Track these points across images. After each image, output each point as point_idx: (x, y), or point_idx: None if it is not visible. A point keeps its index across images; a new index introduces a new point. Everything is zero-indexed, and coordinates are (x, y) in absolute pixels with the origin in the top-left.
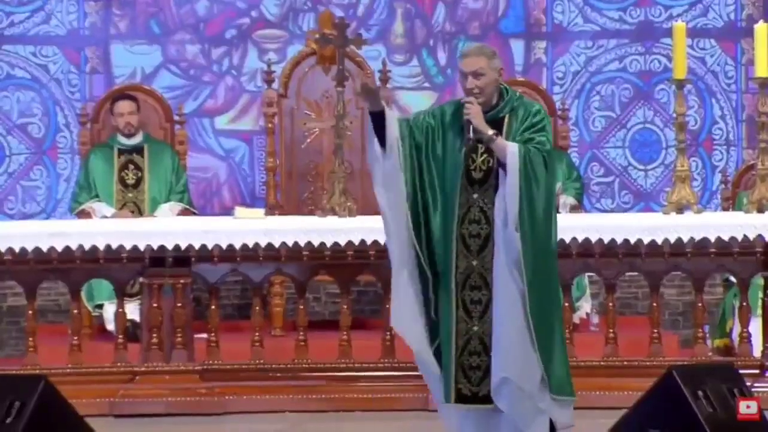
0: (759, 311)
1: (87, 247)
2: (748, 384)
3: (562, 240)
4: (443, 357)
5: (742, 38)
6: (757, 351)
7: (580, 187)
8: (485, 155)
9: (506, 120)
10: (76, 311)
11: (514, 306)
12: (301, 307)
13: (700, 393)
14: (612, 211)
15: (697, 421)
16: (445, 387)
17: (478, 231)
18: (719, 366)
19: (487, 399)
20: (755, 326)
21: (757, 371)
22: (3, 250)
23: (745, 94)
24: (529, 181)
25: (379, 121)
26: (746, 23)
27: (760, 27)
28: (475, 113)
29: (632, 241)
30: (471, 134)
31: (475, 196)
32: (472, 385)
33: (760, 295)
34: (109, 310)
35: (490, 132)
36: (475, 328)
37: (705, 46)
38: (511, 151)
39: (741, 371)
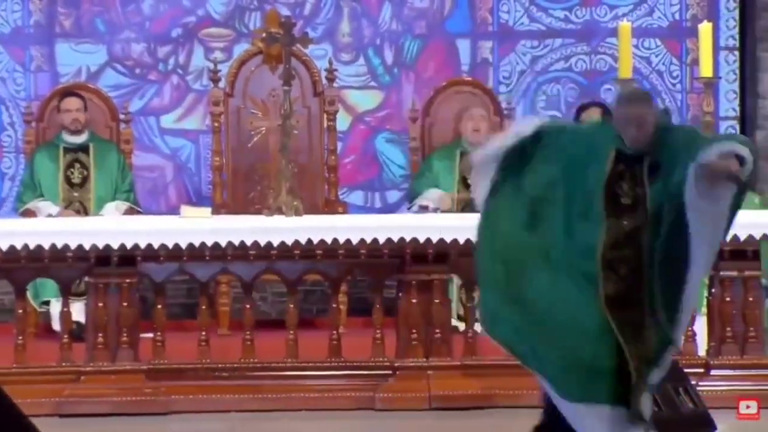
0: (704, 310)
1: (32, 246)
2: (693, 383)
3: None
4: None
5: (687, 38)
6: (702, 350)
7: None
8: (631, 182)
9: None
10: (21, 311)
11: None
12: (248, 306)
13: None
14: None
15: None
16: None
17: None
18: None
19: None
20: (700, 325)
21: (701, 370)
22: None
23: (689, 93)
24: None
25: None
26: (691, 23)
27: (704, 27)
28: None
29: None
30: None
31: (625, 223)
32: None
33: (705, 293)
34: (56, 307)
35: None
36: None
37: (650, 45)
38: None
39: (686, 370)
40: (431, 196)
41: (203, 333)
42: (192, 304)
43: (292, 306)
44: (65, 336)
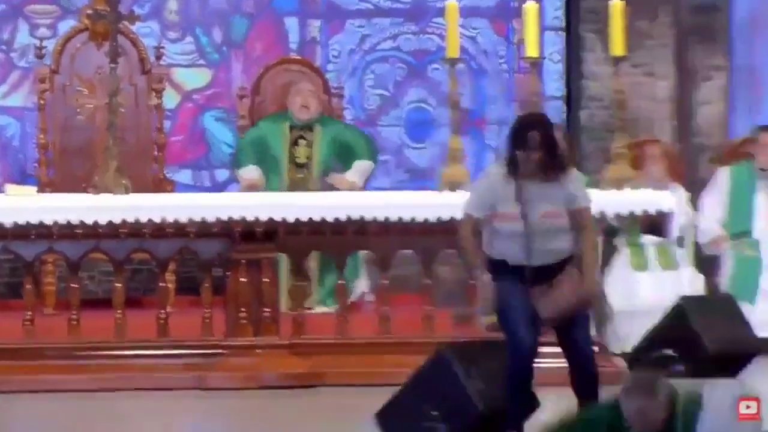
0: None
1: None
2: None
3: (337, 219)
4: None
5: (514, 18)
6: None
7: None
8: None
9: None
10: None
11: None
12: (74, 285)
13: (472, 370)
14: (388, 189)
15: (468, 397)
16: None
17: None
18: (490, 343)
19: None
20: None
21: None
22: None
23: (516, 74)
24: None
25: None
26: (518, 3)
27: (529, 6)
28: None
29: (407, 218)
30: None
31: None
32: None
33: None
34: None
35: None
36: None
37: (477, 25)
38: None
39: None
40: (248, 175)
41: (29, 313)
42: (17, 284)
43: (119, 285)
44: None
